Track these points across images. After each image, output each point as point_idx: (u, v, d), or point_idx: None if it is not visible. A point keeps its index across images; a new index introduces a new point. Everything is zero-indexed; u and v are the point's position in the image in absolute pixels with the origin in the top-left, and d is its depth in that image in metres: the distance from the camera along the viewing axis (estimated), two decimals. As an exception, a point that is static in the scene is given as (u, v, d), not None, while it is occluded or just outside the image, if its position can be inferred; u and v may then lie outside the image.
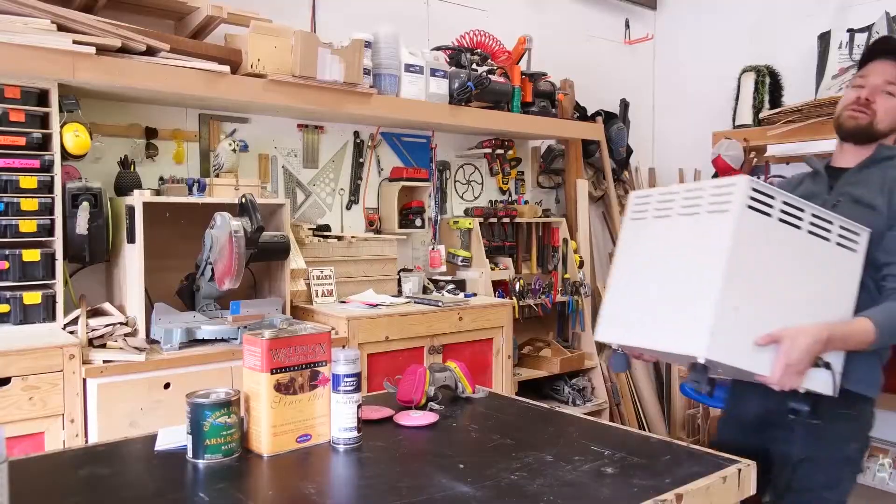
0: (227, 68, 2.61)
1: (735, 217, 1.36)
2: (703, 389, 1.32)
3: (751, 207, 1.37)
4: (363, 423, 1.42)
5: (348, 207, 3.47)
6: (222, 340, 2.44)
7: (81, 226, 2.35)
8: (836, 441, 1.62)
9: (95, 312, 2.47)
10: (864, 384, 1.63)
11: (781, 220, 1.42)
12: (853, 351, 1.54)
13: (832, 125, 1.82)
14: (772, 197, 1.40)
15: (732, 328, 1.36)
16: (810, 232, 1.45)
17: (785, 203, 1.42)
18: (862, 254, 1.51)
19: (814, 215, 1.46)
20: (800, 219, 1.44)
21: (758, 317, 1.40)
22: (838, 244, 1.49)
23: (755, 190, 1.38)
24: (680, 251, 1.45)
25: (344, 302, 3.04)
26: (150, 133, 2.82)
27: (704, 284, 1.36)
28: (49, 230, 2.31)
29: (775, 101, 4.18)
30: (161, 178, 2.71)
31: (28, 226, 2.27)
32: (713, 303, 1.34)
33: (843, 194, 1.69)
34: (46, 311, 2.31)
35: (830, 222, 1.48)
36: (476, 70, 3.53)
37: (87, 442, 2.12)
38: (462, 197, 3.93)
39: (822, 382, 1.46)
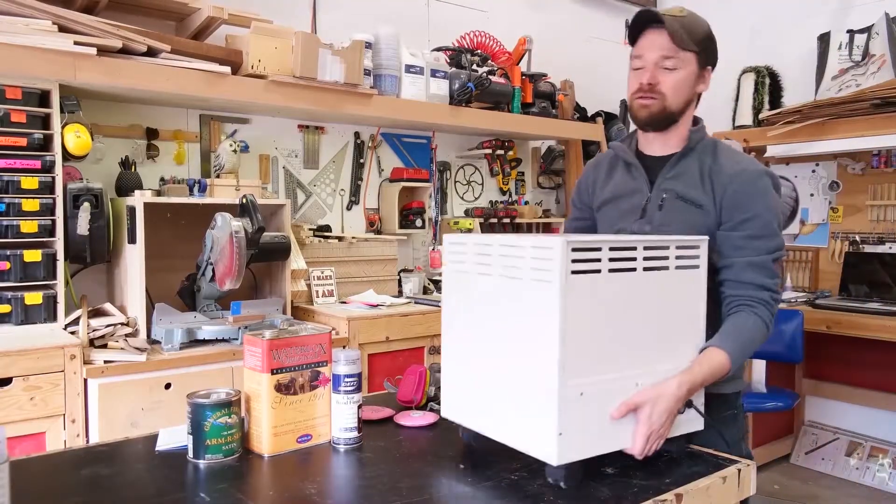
0: (227, 69, 2.61)
1: (559, 291, 1.13)
2: (564, 484, 1.17)
3: (575, 272, 1.15)
4: (364, 424, 1.43)
5: (349, 208, 3.47)
6: (223, 341, 2.44)
7: (82, 226, 2.36)
8: (730, 442, 1.49)
9: (96, 313, 2.47)
10: (735, 382, 1.57)
11: (614, 271, 1.21)
12: None
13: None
14: (597, 250, 1.18)
15: (581, 417, 1.16)
16: (647, 269, 1.24)
17: (613, 250, 1.20)
18: (703, 265, 1.33)
19: (646, 248, 1.24)
20: (633, 259, 1.23)
21: (608, 389, 1.21)
22: (678, 267, 1.30)
23: (575, 250, 1.14)
24: (509, 324, 1.23)
25: (344, 302, 3.04)
26: (151, 134, 2.82)
27: (541, 374, 1.15)
28: (50, 231, 2.32)
29: (775, 101, 4.18)
30: (162, 179, 2.72)
31: (29, 226, 2.27)
32: (554, 399, 1.13)
33: (666, 190, 1.55)
34: (47, 312, 2.31)
35: (666, 247, 1.27)
36: (476, 71, 3.54)
37: (87, 442, 2.12)
38: (462, 197, 3.94)
39: (687, 423, 1.30)
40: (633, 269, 1.23)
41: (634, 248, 1.23)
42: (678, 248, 1.30)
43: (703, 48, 1.53)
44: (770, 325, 1.47)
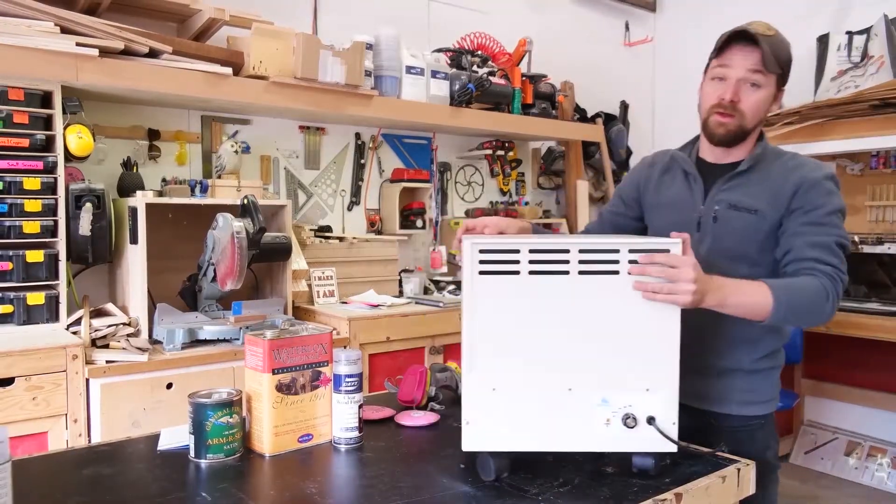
0: (229, 70, 2.62)
1: (468, 287, 1.18)
2: (485, 476, 1.20)
3: (483, 273, 1.18)
4: (364, 423, 1.43)
5: (349, 208, 3.48)
6: (224, 341, 2.45)
7: (84, 227, 2.36)
8: (754, 452, 1.47)
9: (98, 313, 2.48)
10: (767, 404, 1.57)
11: (535, 273, 1.20)
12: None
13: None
14: (514, 251, 1.18)
15: (493, 411, 1.20)
16: (585, 272, 1.20)
17: (535, 252, 1.19)
18: None
19: (584, 251, 1.20)
20: (565, 262, 1.20)
21: (531, 389, 1.21)
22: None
23: (483, 251, 1.18)
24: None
25: (345, 302, 3.05)
26: (153, 134, 2.83)
27: (464, 366, 1.22)
28: (52, 231, 2.32)
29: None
30: (163, 180, 2.72)
31: (31, 227, 2.28)
32: (464, 390, 1.21)
33: (719, 202, 1.55)
34: (50, 312, 2.32)
35: (615, 251, 1.21)
36: (477, 72, 3.54)
37: (89, 442, 2.13)
38: (463, 198, 3.94)
39: (652, 441, 1.22)
40: (566, 273, 1.20)
41: (566, 251, 1.20)
42: (634, 251, 1.21)
43: (785, 71, 1.53)
44: (832, 299, 1.39)
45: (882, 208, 3.83)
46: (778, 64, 1.50)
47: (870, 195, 3.86)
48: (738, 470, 1.28)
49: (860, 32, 3.81)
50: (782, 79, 1.54)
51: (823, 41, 3.99)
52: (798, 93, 4.09)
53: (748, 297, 1.33)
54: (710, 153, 1.61)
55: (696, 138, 1.66)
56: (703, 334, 1.51)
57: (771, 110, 1.58)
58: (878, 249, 3.81)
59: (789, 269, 1.46)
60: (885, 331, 3.30)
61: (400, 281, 3.34)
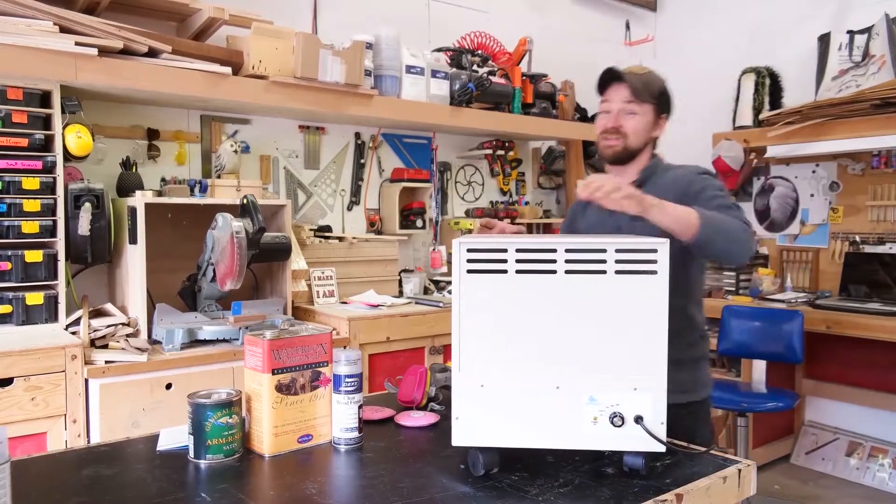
0: (228, 70, 2.62)
1: (456, 286, 1.22)
2: (474, 471, 1.23)
3: (471, 272, 1.22)
4: (364, 424, 1.43)
5: (349, 208, 3.47)
6: (224, 341, 2.44)
7: (83, 227, 2.36)
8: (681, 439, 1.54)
9: (97, 313, 2.47)
10: (691, 393, 1.75)
11: (522, 272, 1.21)
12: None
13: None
14: (501, 251, 1.21)
15: (481, 407, 1.22)
16: (571, 272, 1.21)
17: (522, 251, 1.21)
18: (663, 271, 1.22)
19: (570, 250, 1.22)
20: (552, 261, 1.21)
21: (518, 386, 1.22)
22: (620, 272, 1.22)
23: (471, 251, 1.21)
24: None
25: (345, 302, 3.04)
26: (152, 134, 2.83)
27: (453, 363, 1.25)
28: (51, 231, 2.32)
29: (775, 102, 4.18)
30: (163, 179, 2.72)
31: (30, 227, 2.28)
32: (454, 386, 1.24)
33: (623, 218, 1.69)
34: (49, 312, 2.31)
35: (601, 251, 1.21)
36: (477, 71, 3.54)
37: (89, 442, 2.13)
38: (463, 198, 3.94)
39: (640, 440, 1.22)
40: (553, 272, 1.22)
41: (553, 251, 1.22)
42: (621, 251, 1.22)
43: (660, 101, 1.83)
44: (751, 237, 1.62)
45: (883, 208, 3.82)
46: (650, 95, 1.80)
47: (871, 195, 3.86)
48: (739, 471, 1.27)
49: (861, 32, 3.81)
50: (660, 107, 1.84)
51: (824, 40, 3.98)
52: (799, 92, 4.10)
53: (680, 210, 1.52)
54: (615, 173, 1.87)
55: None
56: None
57: (654, 134, 1.87)
58: (880, 249, 3.81)
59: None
60: (887, 331, 3.30)
61: (400, 281, 3.34)
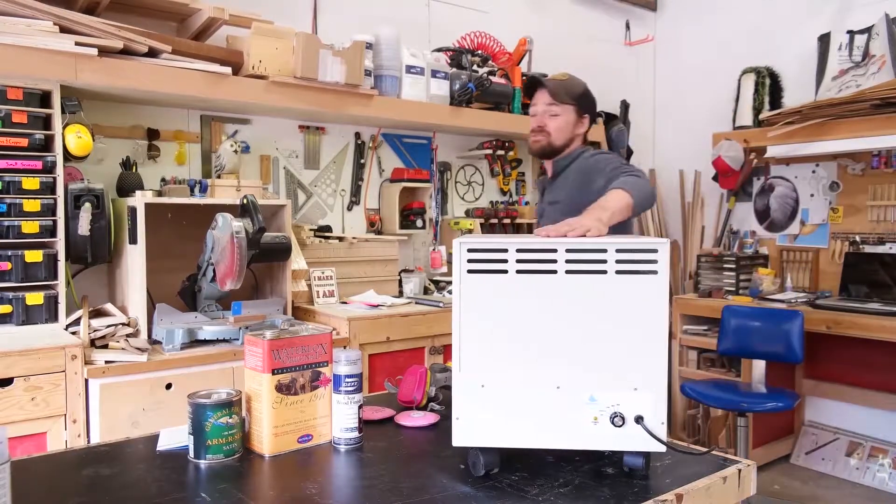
0: (228, 70, 2.62)
1: (457, 286, 1.22)
2: (474, 472, 1.24)
3: (472, 272, 1.21)
4: (364, 424, 1.43)
5: (349, 208, 3.47)
6: (224, 341, 2.44)
7: (83, 227, 2.36)
8: None
9: (97, 313, 2.47)
10: None
11: (522, 272, 1.21)
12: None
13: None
14: (502, 251, 1.21)
15: (482, 408, 1.22)
16: (572, 272, 1.21)
17: (523, 251, 1.21)
18: (663, 272, 1.21)
19: (570, 250, 1.22)
20: (552, 261, 1.21)
21: (518, 386, 1.22)
22: (620, 272, 1.21)
23: (471, 251, 1.21)
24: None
25: (345, 302, 3.04)
26: (152, 134, 2.83)
27: (454, 363, 1.26)
28: (51, 231, 2.32)
29: (775, 102, 4.18)
30: (163, 179, 2.72)
31: (30, 227, 2.28)
32: (454, 386, 1.24)
33: (545, 202, 2.09)
34: (49, 312, 2.31)
35: (602, 251, 1.21)
36: (477, 71, 3.54)
37: (89, 442, 2.13)
38: (463, 198, 3.94)
39: (640, 440, 1.22)
40: (553, 272, 1.22)
41: (554, 251, 1.21)
42: (622, 251, 1.21)
43: (580, 103, 2.07)
44: (647, 179, 1.87)
45: (883, 208, 3.82)
46: (569, 97, 2.03)
47: (871, 195, 3.86)
48: (739, 471, 1.27)
49: (861, 32, 3.81)
50: (581, 108, 2.07)
51: (824, 40, 3.98)
52: (799, 92, 4.10)
53: (618, 202, 1.68)
54: (547, 168, 2.14)
55: None
56: None
57: (578, 131, 2.09)
58: (880, 249, 3.81)
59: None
60: (887, 331, 3.30)
61: (400, 281, 3.34)
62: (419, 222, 3.52)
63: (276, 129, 3.21)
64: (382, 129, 3.54)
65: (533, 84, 2.08)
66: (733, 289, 4.04)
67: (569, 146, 2.10)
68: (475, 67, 3.56)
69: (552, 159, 2.14)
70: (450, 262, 3.63)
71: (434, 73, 3.29)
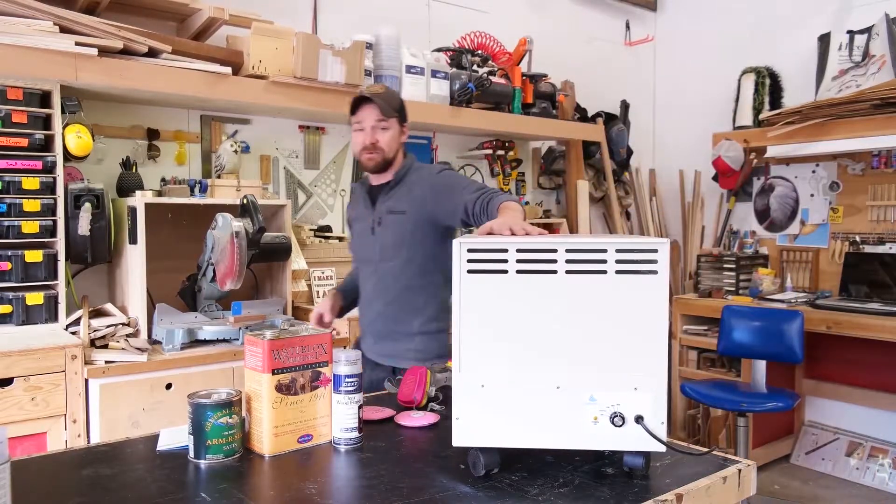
0: (228, 70, 2.62)
1: (457, 286, 1.23)
2: (475, 472, 1.24)
3: (472, 272, 1.22)
4: (364, 424, 1.43)
5: (349, 208, 3.47)
6: (224, 341, 2.44)
7: (83, 227, 2.36)
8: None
9: (97, 313, 2.47)
10: (436, 361, 2.01)
11: (522, 272, 1.21)
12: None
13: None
14: (502, 251, 1.21)
15: (482, 408, 1.22)
16: (572, 272, 1.21)
17: (523, 251, 1.21)
18: (663, 271, 1.21)
19: (570, 250, 1.21)
20: (552, 261, 1.21)
21: (519, 386, 1.22)
22: (620, 272, 1.21)
23: (471, 251, 1.22)
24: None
25: (345, 303, 3.04)
26: (152, 134, 2.83)
27: (454, 363, 1.26)
28: (51, 231, 2.32)
29: (775, 102, 4.19)
30: (163, 179, 2.72)
31: (30, 227, 2.28)
32: (454, 387, 1.24)
33: (381, 210, 2.09)
34: (49, 312, 2.31)
35: (602, 251, 1.21)
36: (477, 71, 3.54)
37: (89, 442, 2.13)
38: (463, 198, 3.93)
39: (640, 440, 1.22)
40: (553, 272, 1.21)
41: (554, 251, 1.21)
42: (622, 251, 1.20)
43: (401, 115, 2.11)
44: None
45: (883, 208, 3.82)
46: (394, 110, 2.07)
47: (871, 195, 3.86)
48: (739, 471, 1.27)
49: (861, 32, 3.81)
50: (401, 118, 2.12)
51: (824, 40, 3.98)
52: (799, 92, 4.10)
53: (518, 209, 1.79)
54: (374, 178, 2.15)
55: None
56: (388, 308, 2.09)
57: (401, 140, 2.14)
58: (880, 249, 3.81)
59: (477, 207, 1.93)
60: (887, 331, 3.30)
61: (400, 281, 3.33)
62: (419, 222, 3.52)
63: (276, 129, 3.21)
64: (382, 129, 3.54)
65: (360, 100, 2.05)
66: (733, 289, 4.04)
67: (396, 157, 2.13)
68: (475, 67, 3.56)
69: (384, 172, 2.12)
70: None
71: (434, 73, 3.29)
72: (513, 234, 1.37)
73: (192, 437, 1.31)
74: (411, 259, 2.06)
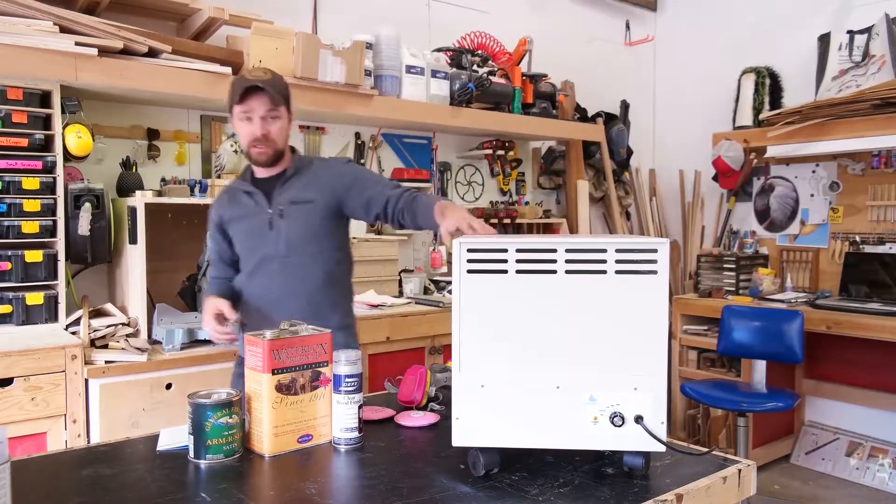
0: (228, 70, 2.62)
1: (457, 286, 1.22)
2: (475, 472, 1.24)
3: (472, 272, 1.22)
4: (364, 424, 1.43)
5: (349, 208, 3.47)
6: (224, 341, 2.44)
7: (83, 227, 2.36)
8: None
9: (97, 313, 2.47)
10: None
11: (522, 272, 1.21)
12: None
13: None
14: (502, 251, 1.21)
15: (482, 408, 1.22)
16: (572, 272, 1.21)
17: (522, 251, 1.21)
18: (663, 271, 1.21)
19: (570, 250, 1.21)
20: (552, 261, 1.21)
21: (519, 386, 1.22)
22: (620, 272, 1.21)
23: (471, 251, 1.21)
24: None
25: (345, 303, 3.04)
26: (152, 134, 2.83)
27: (453, 363, 1.26)
28: (51, 231, 2.32)
29: (775, 102, 4.19)
30: (163, 179, 2.72)
31: (30, 227, 2.28)
32: (454, 387, 1.24)
33: (281, 202, 1.96)
34: (49, 312, 2.31)
35: (601, 251, 1.21)
36: (477, 71, 3.54)
37: (89, 442, 2.13)
38: (463, 198, 3.94)
39: (640, 440, 1.22)
40: (553, 272, 1.22)
41: (553, 251, 1.21)
42: (621, 251, 1.20)
43: (288, 103, 1.97)
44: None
45: (883, 208, 3.82)
46: (283, 98, 1.94)
47: (871, 195, 3.86)
48: (739, 471, 1.27)
49: (861, 32, 3.81)
50: (289, 106, 1.98)
51: (824, 40, 3.98)
52: (799, 92, 4.10)
53: (460, 207, 1.77)
54: (262, 172, 2.02)
55: (249, 167, 2.06)
56: (307, 306, 1.93)
57: (289, 130, 2.01)
58: (880, 249, 3.81)
59: (401, 203, 1.91)
60: (887, 331, 3.30)
61: (400, 281, 3.34)
62: (419, 222, 3.52)
63: (276, 129, 3.20)
64: (382, 129, 3.54)
65: (250, 89, 1.88)
66: (733, 289, 4.04)
67: (285, 148, 2.00)
68: (475, 67, 3.56)
69: (275, 165, 1.99)
70: (450, 263, 3.63)
71: (434, 73, 3.29)
72: (475, 230, 1.50)
73: (192, 437, 1.31)
74: (322, 251, 1.97)
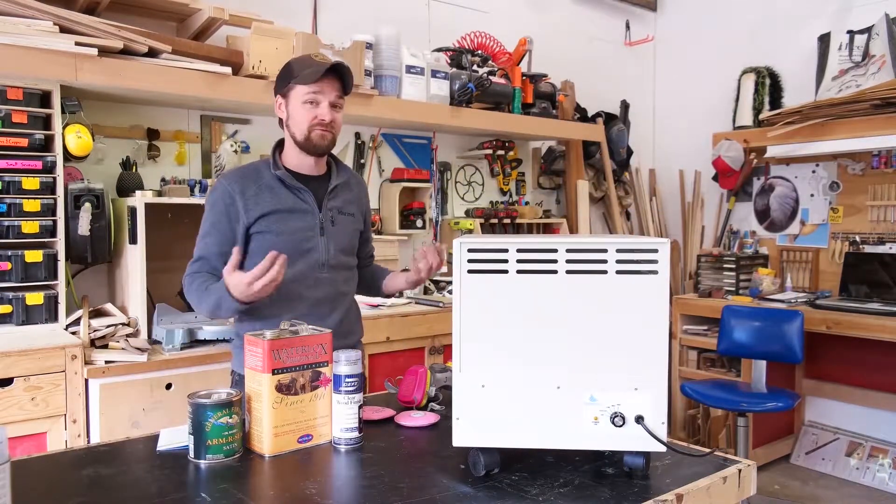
0: (228, 70, 2.62)
1: (457, 286, 1.22)
2: (475, 472, 1.24)
3: (472, 272, 1.21)
4: (364, 424, 1.43)
5: (349, 208, 3.47)
6: (224, 341, 2.44)
7: (83, 227, 2.36)
8: None
9: (97, 313, 2.47)
10: None
11: (522, 272, 1.21)
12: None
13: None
14: (502, 251, 1.21)
15: (482, 407, 1.22)
16: (573, 272, 1.21)
17: (523, 251, 1.21)
18: (664, 271, 1.21)
19: (571, 250, 1.21)
20: (553, 261, 1.21)
21: (520, 386, 1.22)
22: (621, 272, 1.21)
23: (472, 250, 1.21)
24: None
25: (345, 303, 3.03)
26: (152, 134, 2.82)
27: (454, 363, 1.26)
28: (51, 231, 2.32)
29: (775, 102, 4.19)
30: (163, 179, 2.72)
31: (30, 227, 2.28)
32: (454, 387, 1.24)
33: (331, 209, 1.87)
34: (49, 312, 2.31)
35: (602, 251, 1.21)
36: (477, 71, 3.54)
37: (89, 442, 2.13)
38: (463, 198, 3.94)
39: (641, 440, 1.22)
40: (554, 272, 1.22)
41: (554, 251, 1.21)
42: (622, 251, 1.21)
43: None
44: None
45: (883, 208, 3.82)
46: (350, 88, 1.83)
47: (871, 195, 3.86)
48: (739, 471, 1.27)
49: (861, 32, 3.81)
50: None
51: (825, 40, 3.98)
52: (799, 92, 4.10)
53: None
54: (301, 165, 1.85)
55: (276, 150, 1.88)
56: (345, 317, 1.93)
57: None
58: (880, 249, 3.81)
59: (371, 250, 2.09)
60: (887, 331, 3.30)
61: (400, 281, 3.33)
62: (419, 222, 3.52)
63: (276, 129, 3.17)
64: (382, 128, 3.54)
65: (328, 70, 1.74)
66: (733, 289, 4.04)
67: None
68: (475, 67, 3.56)
69: (324, 156, 1.87)
70: (450, 263, 3.63)
71: (434, 73, 3.29)
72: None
73: (192, 437, 1.31)
74: (353, 266, 1.98)
